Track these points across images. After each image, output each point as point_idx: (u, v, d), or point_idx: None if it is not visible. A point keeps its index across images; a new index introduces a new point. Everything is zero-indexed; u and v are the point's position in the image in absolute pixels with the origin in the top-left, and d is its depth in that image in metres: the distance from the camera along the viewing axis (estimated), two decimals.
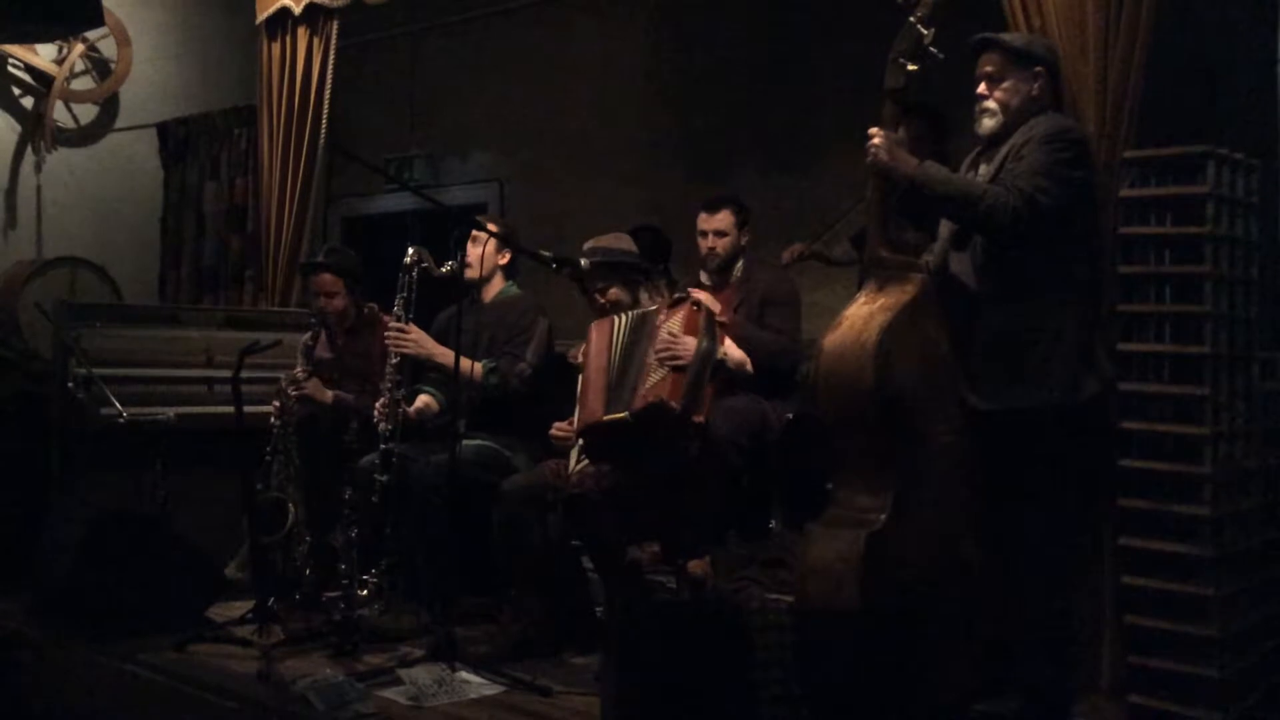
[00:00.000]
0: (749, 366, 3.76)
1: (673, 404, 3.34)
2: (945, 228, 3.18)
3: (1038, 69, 3.03)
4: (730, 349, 3.68)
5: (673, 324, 3.53)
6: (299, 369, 4.25)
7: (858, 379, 2.88)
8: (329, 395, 4.29)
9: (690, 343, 3.45)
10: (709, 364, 3.46)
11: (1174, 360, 2.99)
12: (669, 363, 3.44)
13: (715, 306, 3.64)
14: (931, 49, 2.99)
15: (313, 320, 4.44)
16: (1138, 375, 3.04)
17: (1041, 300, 2.93)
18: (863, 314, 2.97)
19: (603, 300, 3.89)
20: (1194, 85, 3.66)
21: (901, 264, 3.05)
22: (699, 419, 3.41)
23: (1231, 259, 3.04)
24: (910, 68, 2.99)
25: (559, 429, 3.77)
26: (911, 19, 2.99)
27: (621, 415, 3.40)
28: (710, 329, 3.50)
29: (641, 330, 3.59)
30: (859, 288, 3.13)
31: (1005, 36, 3.09)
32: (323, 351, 4.50)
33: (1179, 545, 2.95)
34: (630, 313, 3.70)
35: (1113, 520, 3.06)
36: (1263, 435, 3.20)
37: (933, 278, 3.07)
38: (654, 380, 3.42)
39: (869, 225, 3.12)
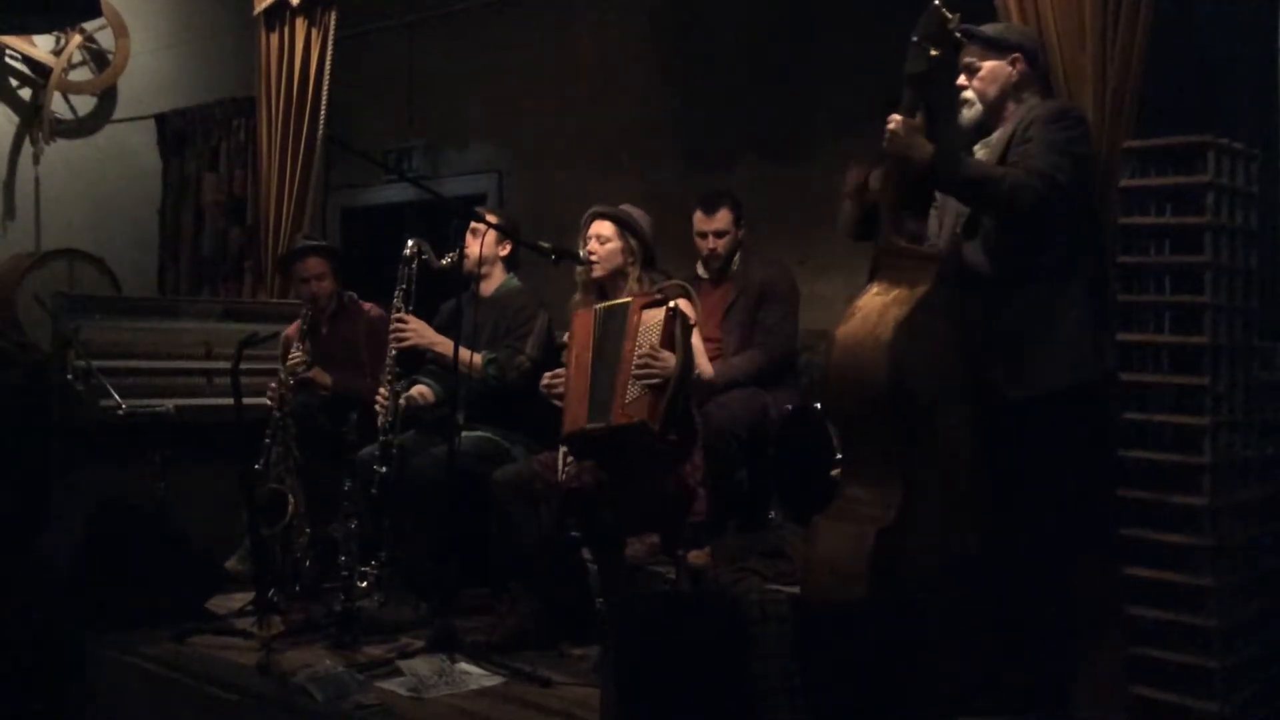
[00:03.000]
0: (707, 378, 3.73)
1: (653, 425, 3.30)
2: (951, 216, 3.18)
3: (1014, 55, 3.07)
4: (702, 363, 3.64)
5: (650, 331, 3.40)
6: (299, 355, 4.24)
7: (871, 373, 2.85)
8: (328, 379, 4.29)
9: (670, 360, 3.34)
10: (687, 380, 3.39)
11: (1173, 350, 2.99)
12: (648, 380, 3.33)
13: (690, 315, 3.55)
14: (956, 33, 2.96)
15: (307, 311, 4.43)
16: (1137, 365, 3.03)
17: (1057, 285, 2.95)
18: (876, 306, 2.94)
19: (593, 246, 3.77)
20: (1194, 74, 3.65)
21: (917, 254, 3.03)
22: (675, 440, 3.37)
23: (1231, 249, 3.03)
24: (934, 52, 2.94)
25: (550, 378, 3.71)
26: (936, 1, 2.94)
27: (601, 426, 3.36)
28: (687, 340, 3.41)
29: (614, 325, 3.49)
30: (870, 276, 3.10)
31: (980, 27, 3.12)
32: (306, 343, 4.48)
33: (1178, 536, 2.94)
34: (600, 306, 3.63)
35: (1113, 510, 3.06)
36: (1262, 426, 3.19)
37: (945, 267, 3.04)
38: (633, 396, 3.33)
39: (883, 215, 3.09)
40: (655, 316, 3.42)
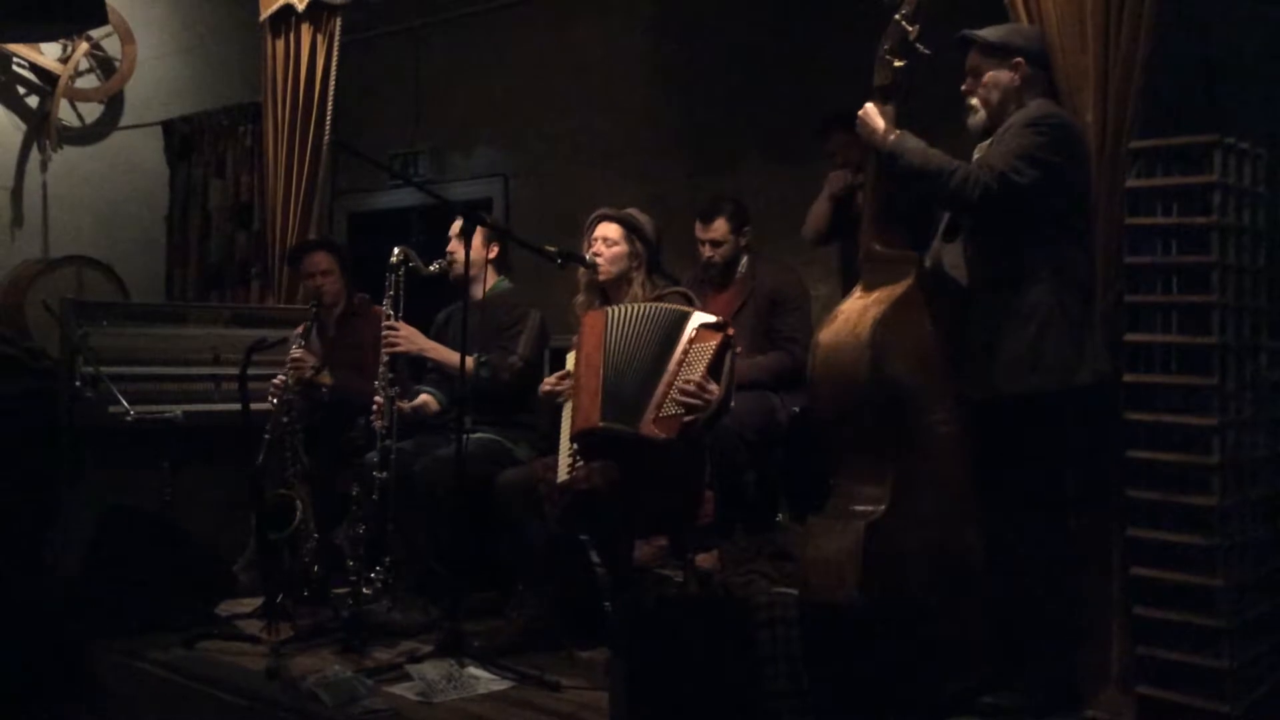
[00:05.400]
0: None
1: (675, 446, 3.28)
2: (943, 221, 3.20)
3: (1016, 60, 3.06)
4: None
5: (702, 354, 3.34)
6: (299, 351, 4.21)
7: (853, 372, 2.91)
8: (328, 377, 4.25)
9: (715, 395, 3.29)
10: (719, 416, 3.37)
11: (1181, 350, 2.98)
12: (688, 406, 3.28)
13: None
14: (918, 45, 3.03)
15: (312, 307, 4.41)
16: (1145, 366, 3.03)
17: (1031, 289, 2.94)
18: (857, 307, 3.01)
19: (598, 248, 3.78)
20: (1200, 74, 3.65)
21: (896, 257, 3.08)
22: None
23: (1239, 248, 3.03)
24: (897, 64, 3.04)
25: (549, 383, 3.70)
26: (897, 16, 3.04)
27: (625, 430, 3.30)
28: (731, 373, 3.36)
29: (663, 327, 3.41)
30: (855, 280, 3.15)
31: (982, 32, 3.11)
32: (315, 342, 4.47)
33: (1187, 536, 2.94)
34: (646, 303, 3.59)
35: (1119, 511, 3.06)
36: (1270, 425, 3.19)
37: (927, 270, 3.08)
38: (668, 413, 3.28)
39: (864, 220, 3.14)
40: (711, 340, 3.35)
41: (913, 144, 3.00)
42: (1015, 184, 2.86)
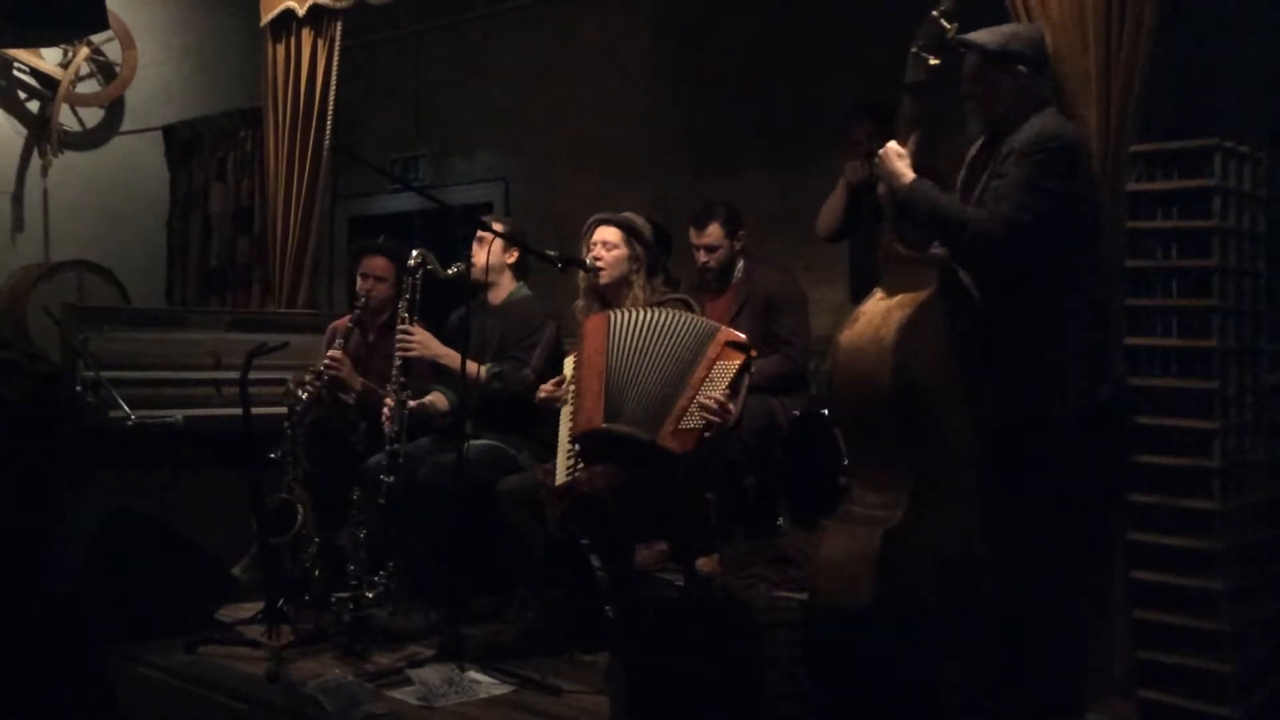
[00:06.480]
0: None
1: (689, 458, 3.29)
2: None
3: (1019, 67, 2.98)
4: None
5: (725, 373, 3.34)
6: (337, 352, 4.18)
7: (876, 376, 2.86)
8: (359, 381, 4.23)
9: (733, 415, 3.30)
10: (732, 433, 3.37)
11: (1182, 354, 2.98)
12: (707, 422, 3.27)
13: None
14: (954, 42, 2.94)
15: (356, 308, 4.37)
16: (1145, 370, 3.03)
17: (1048, 306, 2.92)
18: (880, 310, 2.95)
19: (598, 252, 3.77)
20: (1200, 77, 3.65)
21: (918, 259, 3.03)
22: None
23: (1239, 252, 3.03)
24: (933, 62, 2.94)
25: (545, 389, 3.71)
26: (935, 12, 2.94)
27: (642, 436, 3.28)
28: (745, 394, 3.37)
29: (697, 346, 3.39)
30: (864, 278, 3.12)
31: (981, 38, 3.00)
32: (354, 347, 4.45)
33: (1188, 539, 2.94)
34: (655, 310, 3.54)
35: (1123, 516, 3.05)
36: (1271, 429, 3.18)
37: (949, 274, 3.05)
38: (688, 426, 3.27)
39: (885, 218, 3.09)
40: (736, 359, 3.36)
41: (922, 192, 2.93)
42: (1025, 224, 2.81)
